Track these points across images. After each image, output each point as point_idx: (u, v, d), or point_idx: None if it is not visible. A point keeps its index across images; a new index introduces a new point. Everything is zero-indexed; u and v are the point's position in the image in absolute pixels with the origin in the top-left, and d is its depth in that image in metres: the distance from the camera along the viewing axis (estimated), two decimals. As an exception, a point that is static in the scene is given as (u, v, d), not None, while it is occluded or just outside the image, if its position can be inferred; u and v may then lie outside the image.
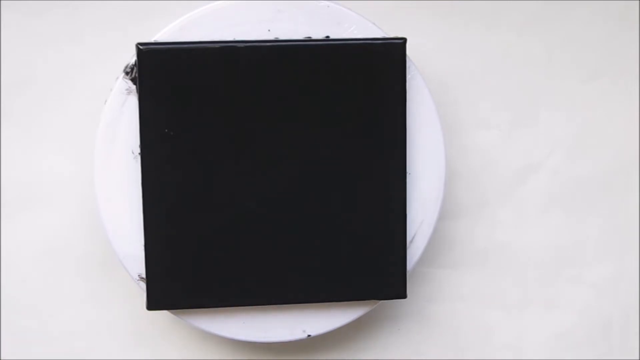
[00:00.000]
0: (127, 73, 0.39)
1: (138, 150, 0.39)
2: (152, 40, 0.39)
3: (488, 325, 0.46)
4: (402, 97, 0.39)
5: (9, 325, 0.43)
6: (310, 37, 0.39)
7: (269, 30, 0.39)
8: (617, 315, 0.46)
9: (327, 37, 0.40)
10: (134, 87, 0.39)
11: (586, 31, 0.45)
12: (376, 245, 0.40)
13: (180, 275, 0.39)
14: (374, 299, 0.41)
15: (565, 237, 0.46)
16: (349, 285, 0.40)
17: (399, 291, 0.40)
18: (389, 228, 0.40)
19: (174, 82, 0.38)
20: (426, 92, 0.40)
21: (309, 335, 0.41)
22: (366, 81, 0.39)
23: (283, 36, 0.39)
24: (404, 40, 0.39)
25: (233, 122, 0.39)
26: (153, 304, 0.39)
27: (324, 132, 0.39)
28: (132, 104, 0.39)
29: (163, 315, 0.43)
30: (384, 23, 0.40)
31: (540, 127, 0.45)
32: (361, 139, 0.39)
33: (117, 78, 0.39)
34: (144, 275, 0.40)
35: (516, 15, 0.44)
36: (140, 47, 0.38)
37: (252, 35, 0.39)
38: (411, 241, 0.41)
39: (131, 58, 0.39)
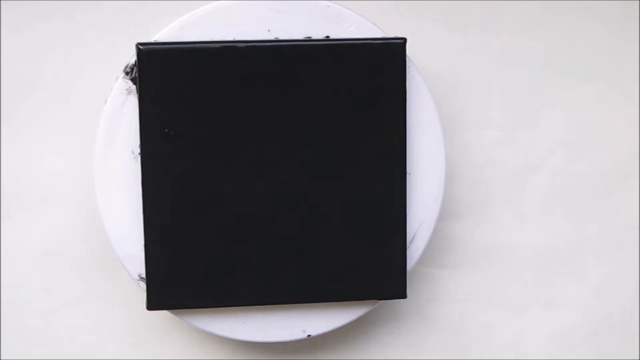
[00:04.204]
0: (127, 73, 0.39)
1: (138, 150, 0.39)
2: (152, 40, 0.39)
3: (488, 325, 0.46)
4: (402, 97, 0.39)
5: (9, 325, 0.43)
6: (310, 37, 0.39)
7: (269, 30, 0.39)
8: (617, 314, 0.46)
9: (327, 37, 0.40)
10: (134, 87, 0.39)
11: (586, 31, 0.45)
12: (376, 245, 0.40)
13: (180, 275, 0.39)
14: (374, 299, 0.41)
15: (565, 237, 0.46)
16: (349, 285, 0.40)
17: (399, 291, 0.40)
18: (389, 228, 0.40)
19: (174, 82, 0.38)
20: (426, 92, 0.40)
21: (309, 335, 0.41)
22: (366, 81, 0.39)
23: (283, 36, 0.39)
24: (404, 40, 0.39)
25: (233, 122, 0.39)
26: (153, 304, 0.39)
27: (324, 132, 0.39)
28: (132, 104, 0.39)
29: (163, 315, 0.43)
30: (384, 23, 0.40)
31: (540, 127, 0.45)
32: (361, 139, 0.39)
33: (117, 78, 0.39)
34: (144, 275, 0.40)
35: (516, 16, 0.44)
36: (140, 47, 0.38)
37: (252, 35, 0.39)
38: (411, 241, 0.41)
39: (131, 58, 0.39)
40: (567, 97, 0.45)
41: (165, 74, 0.38)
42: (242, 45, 0.38)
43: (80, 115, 0.42)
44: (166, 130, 0.38)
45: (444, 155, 0.41)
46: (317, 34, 0.40)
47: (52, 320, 0.43)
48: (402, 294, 0.41)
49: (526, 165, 0.45)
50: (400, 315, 0.45)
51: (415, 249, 0.41)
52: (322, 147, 0.39)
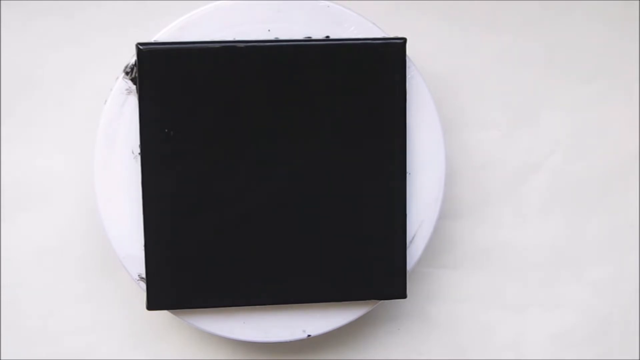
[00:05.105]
0: (127, 73, 0.39)
1: (138, 150, 0.39)
2: (152, 40, 0.39)
3: (488, 325, 0.46)
4: (402, 97, 0.39)
5: (9, 325, 0.43)
6: (310, 37, 0.39)
7: (269, 30, 0.39)
8: (617, 315, 0.46)
9: (327, 37, 0.40)
10: (134, 87, 0.39)
11: (586, 32, 0.45)
12: (376, 245, 0.40)
13: (180, 275, 0.39)
14: (374, 299, 0.41)
15: (565, 237, 0.46)
16: (349, 285, 0.40)
17: (399, 291, 0.40)
18: (389, 228, 0.40)
19: (174, 82, 0.38)
20: (426, 92, 0.40)
21: (309, 335, 0.41)
22: (366, 81, 0.39)
23: (283, 36, 0.39)
24: (404, 40, 0.39)
25: (233, 122, 0.39)
26: (153, 304, 0.39)
27: (324, 132, 0.39)
28: (132, 104, 0.39)
29: (163, 315, 0.43)
30: (384, 23, 0.40)
31: (540, 127, 0.45)
32: (361, 139, 0.39)
33: (117, 78, 0.39)
34: (144, 275, 0.40)
35: (516, 16, 0.44)
36: (140, 47, 0.38)
37: (252, 35, 0.39)
38: (411, 241, 0.41)
39: (131, 58, 0.39)
40: (567, 97, 0.45)
41: (165, 74, 0.38)
42: (242, 45, 0.38)
43: (80, 115, 0.42)
44: (166, 130, 0.38)
45: (444, 155, 0.41)
46: (317, 34, 0.40)
47: (52, 320, 0.43)
48: (402, 294, 0.41)
49: (526, 165, 0.45)
50: (400, 315, 0.45)
51: (415, 249, 0.41)
52: (322, 147, 0.39)
